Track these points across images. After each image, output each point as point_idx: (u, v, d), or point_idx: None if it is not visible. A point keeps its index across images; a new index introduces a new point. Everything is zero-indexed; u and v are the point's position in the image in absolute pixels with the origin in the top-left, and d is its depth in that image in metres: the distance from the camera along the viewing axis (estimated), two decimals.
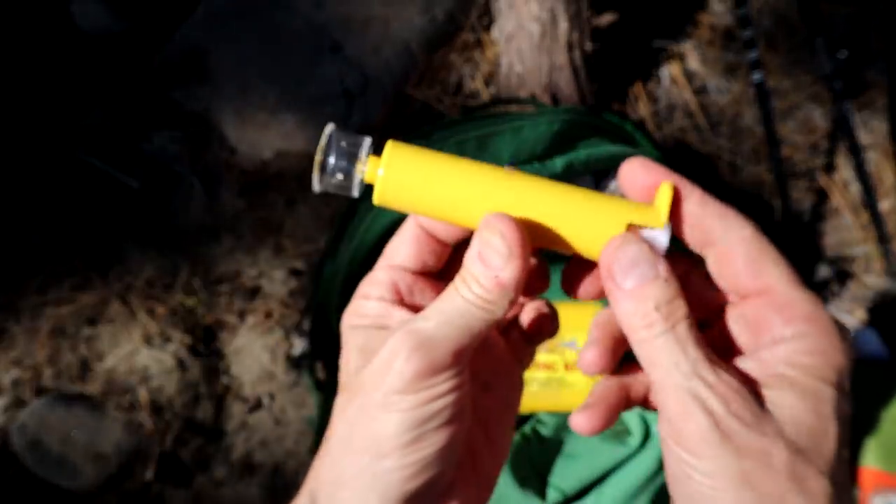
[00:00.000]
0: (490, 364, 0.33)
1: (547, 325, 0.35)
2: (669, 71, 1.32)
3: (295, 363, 1.13)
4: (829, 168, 1.25)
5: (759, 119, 1.24)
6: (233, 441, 1.10)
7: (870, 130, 1.27)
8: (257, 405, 1.12)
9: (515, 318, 0.35)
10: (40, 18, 1.42)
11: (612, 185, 0.90)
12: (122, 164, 1.29)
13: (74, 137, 1.31)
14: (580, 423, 0.30)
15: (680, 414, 0.26)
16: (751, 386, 0.27)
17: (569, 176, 0.86)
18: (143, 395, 1.10)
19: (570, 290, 0.32)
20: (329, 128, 0.30)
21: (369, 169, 0.30)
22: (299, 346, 1.14)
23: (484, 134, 0.91)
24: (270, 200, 1.26)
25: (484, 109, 1.17)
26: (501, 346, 0.34)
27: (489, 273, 0.28)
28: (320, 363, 1.07)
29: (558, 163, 0.85)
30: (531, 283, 0.33)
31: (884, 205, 1.21)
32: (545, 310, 0.35)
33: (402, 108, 1.32)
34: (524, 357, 0.35)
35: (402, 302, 0.31)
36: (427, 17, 1.35)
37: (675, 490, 0.28)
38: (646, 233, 0.29)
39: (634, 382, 0.32)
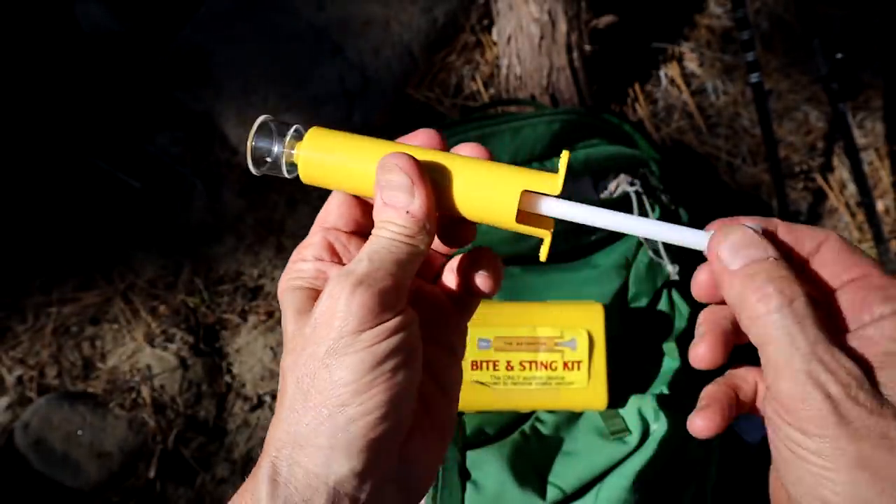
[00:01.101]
0: (432, 315, 0.33)
1: (487, 275, 0.34)
2: (668, 72, 1.33)
3: None
4: (827, 168, 1.26)
5: (756, 120, 1.25)
6: (235, 439, 1.11)
7: (866, 131, 1.28)
8: (259, 404, 1.13)
9: (453, 264, 0.35)
10: (44, 20, 1.43)
11: (611, 185, 0.91)
12: (125, 165, 1.29)
13: (77, 138, 1.31)
14: (699, 425, 0.31)
15: (796, 395, 0.26)
16: (865, 366, 0.27)
17: (568, 176, 0.86)
18: (145, 393, 1.10)
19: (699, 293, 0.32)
20: (261, 118, 0.32)
21: (296, 152, 0.32)
22: None
23: (483, 134, 0.92)
24: (272, 200, 1.27)
25: (483, 110, 1.18)
26: (440, 295, 0.34)
27: (400, 212, 0.29)
28: None
29: (557, 163, 0.86)
30: (457, 234, 0.33)
31: (880, 205, 1.22)
32: (480, 255, 0.34)
33: (403, 108, 1.33)
34: (466, 302, 0.35)
35: (339, 261, 0.32)
36: (427, 18, 1.35)
37: (784, 472, 0.27)
38: (543, 200, 0.31)
39: (743, 384, 0.32)
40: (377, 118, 1.32)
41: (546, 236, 0.31)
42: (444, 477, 0.72)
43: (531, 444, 0.78)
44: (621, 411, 0.77)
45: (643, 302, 0.85)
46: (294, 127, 0.33)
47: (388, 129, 1.31)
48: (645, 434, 0.77)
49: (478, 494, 0.72)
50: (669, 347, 0.84)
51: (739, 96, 1.31)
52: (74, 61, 1.39)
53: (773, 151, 1.10)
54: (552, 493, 0.77)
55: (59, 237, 1.24)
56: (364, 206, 0.33)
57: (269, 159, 0.33)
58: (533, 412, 0.81)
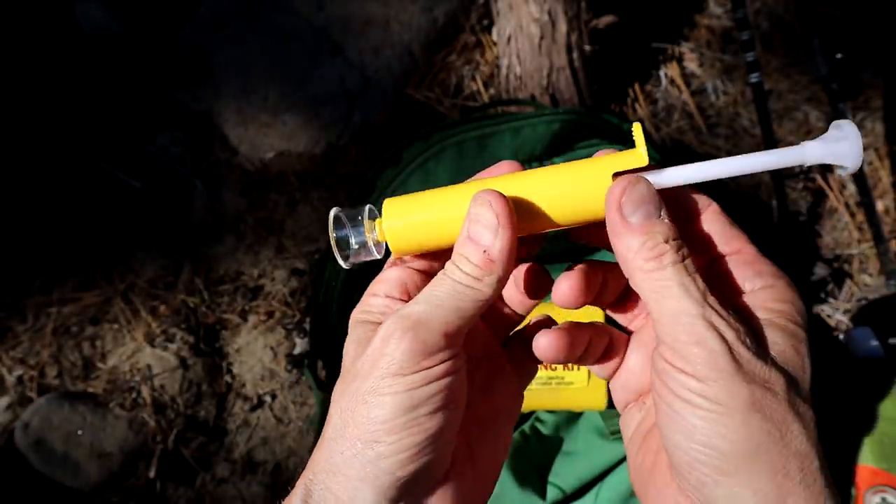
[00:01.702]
0: (491, 371, 0.34)
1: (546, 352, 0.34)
2: (668, 72, 1.33)
3: (296, 362, 1.14)
4: (826, 168, 1.26)
5: (756, 120, 1.25)
6: (234, 439, 1.11)
7: (866, 131, 1.28)
8: (259, 404, 1.13)
9: (518, 332, 0.36)
10: (45, 20, 1.43)
11: None
12: (125, 165, 1.29)
13: (78, 138, 1.31)
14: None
15: (690, 340, 0.27)
16: (748, 326, 0.28)
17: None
18: (145, 393, 1.10)
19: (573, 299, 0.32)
20: (333, 211, 0.32)
21: (378, 231, 0.32)
22: (300, 345, 1.15)
23: (483, 135, 0.91)
24: (272, 200, 1.27)
25: (483, 110, 1.18)
26: (503, 356, 0.35)
27: (478, 249, 0.29)
28: (321, 362, 1.08)
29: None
30: (532, 289, 0.34)
31: (880, 205, 1.22)
32: (549, 327, 0.34)
33: (403, 108, 1.33)
34: (525, 370, 0.36)
35: (409, 300, 0.32)
36: (427, 18, 1.35)
37: (672, 427, 0.27)
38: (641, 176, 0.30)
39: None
40: (377, 118, 1.32)
41: None
42: None
43: (531, 444, 0.78)
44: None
45: None
46: (367, 207, 0.33)
47: (387, 129, 1.31)
48: None
49: None
50: None
51: (739, 96, 1.31)
52: (74, 61, 1.39)
53: None
54: (552, 492, 0.77)
55: (60, 237, 1.24)
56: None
57: (355, 247, 0.32)
58: (533, 412, 0.81)
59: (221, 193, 1.28)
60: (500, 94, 1.29)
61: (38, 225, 1.25)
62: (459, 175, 0.87)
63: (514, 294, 0.35)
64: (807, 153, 0.30)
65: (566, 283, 0.32)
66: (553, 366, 0.75)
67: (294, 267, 1.21)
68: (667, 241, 0.28)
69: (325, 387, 1.04)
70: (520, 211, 0.30)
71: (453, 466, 0.30)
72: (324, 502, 0.28)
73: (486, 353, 0.34)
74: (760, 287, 0.30)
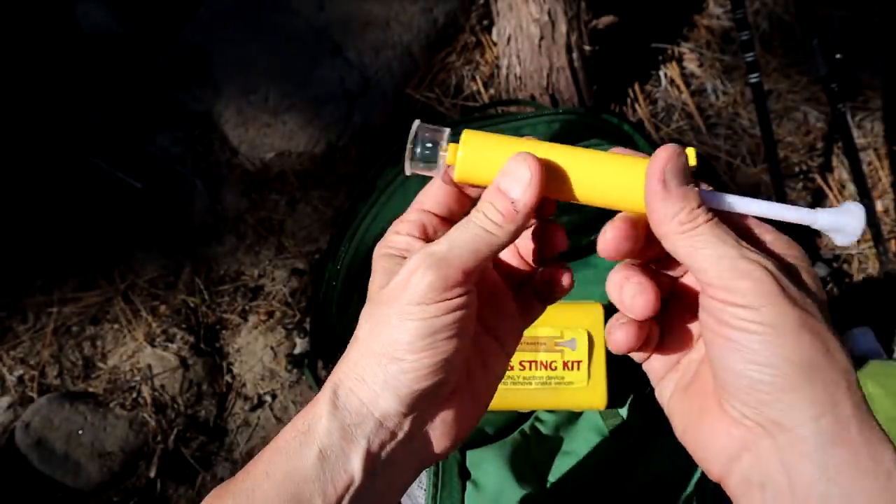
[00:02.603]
0: (497, 310, 0.38)
1: (560, 289, 0.39)
2: (668, 72, 1.33)
3: (296, 362, 1.14)
4: (826, 168, 1.26)
5: (756, 120, 1.25)
6: (235, 439, 1.11)
7: (866, 131, 1.28)
8: (259, 404, 1.13)
9: (529, 276, 0.40)
10: (45, 20, 1.43)
11: None
12: (126, 165, 1.29)
13: (78, 138, 1.31)
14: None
15: (736, 275, 0.30)
16: (779, 259, 0.32)
17: None
18: (146, 393, 1.10)
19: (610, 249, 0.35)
20: (416, 124, 0.36)
21: (450, 154, 0.35)
22: (301, 345, 1.15)
23: None
24: (272, 201, 1.27)
25: (483, 110, 1.18)
26: (510, 298, 0.39)
27: (507, 200, 0.33)
28: (321, 362, 1.08)
29: None
30: (550, 240, 0.38)
31: (880, 205, 1.22)
32: (562, 274, 0.38)
33: (403, 109, 1.33)
34: (530, 311, 0.40)
35: (427, 239, 0.36)
36: (427, 18, 1.36)
37: (727, 357, 0.30)
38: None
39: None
40: (377, 118, 1.32)
41: None
42: (444, 477, 0.73)
43: (531, 443, 0.78)
44: (621, 411, 0.78)
45: None
46: (447, 131, 0.36)
47: (387, 129, 1.31)
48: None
49: (477, 494, 0.72)
50: None
51: (739, 97, 1.31)
52: (74, 61, 1.39)
53: (772, 152, 1.10)
54: (552, 492, 0.77)
55: (60, 237, 1.24)
56: (458, 198, 0.37)
57: (425, 161, 0.36)
58: (533, 412, 0.81)
59: (221, 193, 1.28)
60: (500, 94, 1.29)
61: (38, 225, 1.25)
62: None
63: (528, 247, 0.39)
64: (818, 219, 0.33)
65: (611, 232, 0.34)
66: (553, 365, 0.75)
67: (294, 267, 1.21)
68: (699, 207, 0.31)
69: None
70: (555, 176, 0.34)
71: (457, 388, 0.35)
72: (350, 403, 0.33)
73: (494, 293, 0.38)
74: (770, 240, 0.33)
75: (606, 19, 1.23)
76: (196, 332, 1.17)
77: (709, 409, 0.33)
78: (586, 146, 0.98)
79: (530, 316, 0.40)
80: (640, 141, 0.97)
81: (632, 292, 0.34)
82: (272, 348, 1.15)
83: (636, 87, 1.31)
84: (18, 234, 1.24)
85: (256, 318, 1.18)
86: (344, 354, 0.35)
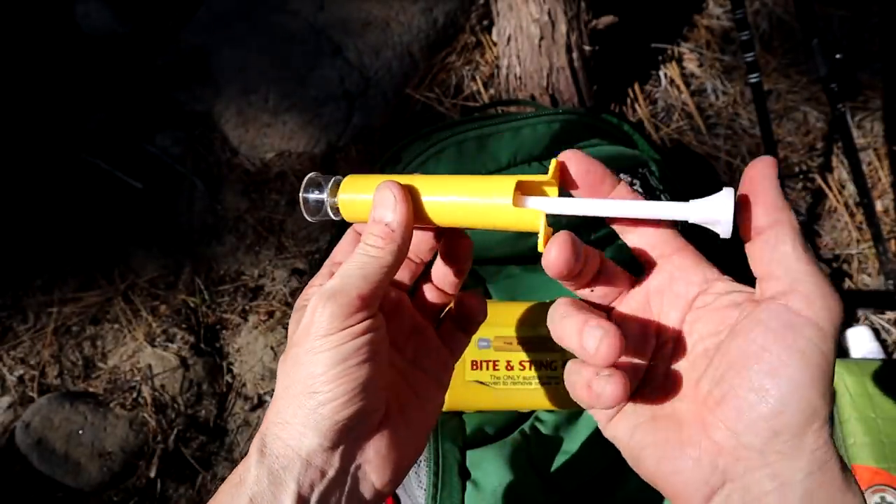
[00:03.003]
0: (421, 344, 0.41)
1: (475, 313, 0.42)
2: (667, 72, 1.33)
3: None
4: (826, 168, 1.26)
5: (755, 120, 1.25)
6: (235, 439, 1.11)
7: (866, 131, 1.28)
8: (259, 403, 1.13)
9: (446, 308, 0.42)
10: (45, 20, 1.43)
11: None
12: (126, 165, 1.29)
13: (78, 138, 1.32)
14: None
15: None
16: None
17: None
18: (146, 393, 1.11)
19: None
20: (307, 177, 0.40)
21: (337, 199, 0.39)
22: None
23: (483, 135, 0.91)
24: (272, 201, 1.27)
25: (483, 110, 1.18)
26: (432, 332, 0.42)
27: (380, 225, 0.36)
28: None
29: None
30: (455, 262, 0.40)
31: (880, 205, 1.22)
32: (473, 299, 0.41)
33: (403, 109, 1.33)
34: (455, 343, 0.42)
35: None
36: (427, 18, 1.36)
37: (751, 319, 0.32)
38: (532, 199, 0.35)
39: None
40: (377, 119, 1.32)
41: (539, 228, 0.34)
42: (444, 476, 0.73)
43: (531, 443, 0.78)
44: None
45: None
46: (334, 178, 0.40)
47: (387, 129, 1.31)
48: None
49: (477, 494, 0.72)
50: None
51: (739, 97, 1.31)
52: (74, 61, 1.39)
53: (772, 152, 1.10)
54: (552, 492, 0.77)
55: (60, 237, 1.24)
56: None
57: (317, 207, 0.40)
58: (533, 412, 0.81)
59: (221, 193, 1.28)
60: (500, 94, 1.29)
61: (38, 225, 1.25)
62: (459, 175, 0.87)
63: (442, 274, 0.41)
64: (692, 213, 0.33)
65: (557, 245, 0.33)
66: (553, 365, 0.75)
67: (294, 267, 1.21)
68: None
69: None
70: (427, 205, 0.36)
71: (388, 419, 0.36)
72: (275, 447, 0.34)
73: (415, 329, 0.41)
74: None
75: (606, 19, 1.23)
76: (196, 332, 1.17)
77: (688, 438, 0.33)
78: (586, 146, 0.98)
79: (457, 347, 0.42)
80: (640, 141, 0.97)
81: (596, 337, 0.31)
82: (272, 348, 1.16)
83: (636, 87, 1.31)
84: (18, 234, 1.24)
85: (256, 318, 1.18)
86: (270, 404, 0.36)
